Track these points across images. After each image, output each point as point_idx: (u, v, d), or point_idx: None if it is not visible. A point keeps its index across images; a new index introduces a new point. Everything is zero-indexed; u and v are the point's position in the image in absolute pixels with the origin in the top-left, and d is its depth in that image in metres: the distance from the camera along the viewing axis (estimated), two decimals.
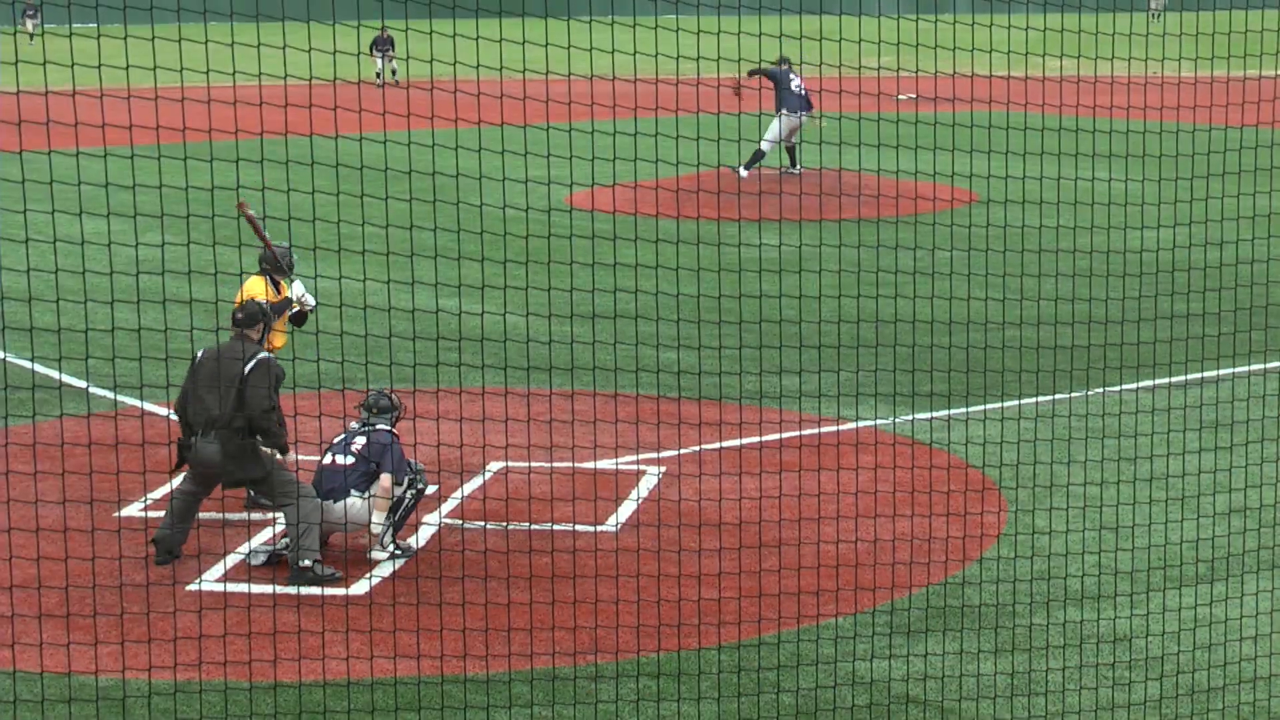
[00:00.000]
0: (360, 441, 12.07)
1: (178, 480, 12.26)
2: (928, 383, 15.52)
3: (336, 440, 12.19)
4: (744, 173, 28.99)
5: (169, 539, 11.76)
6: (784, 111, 29.01)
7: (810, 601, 10.78)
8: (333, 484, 11.94)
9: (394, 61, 51.55)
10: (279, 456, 11.75)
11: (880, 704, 9.82)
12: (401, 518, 12.05)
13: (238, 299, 13.25)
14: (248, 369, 11.53)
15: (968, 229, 23.11)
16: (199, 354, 11.85)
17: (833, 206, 27.05)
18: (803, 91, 29.07)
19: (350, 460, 12.00)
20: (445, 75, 45.28)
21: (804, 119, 29.12)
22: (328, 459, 12.09)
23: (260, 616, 10.66)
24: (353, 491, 11.89)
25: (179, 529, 11.81)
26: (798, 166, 29.55)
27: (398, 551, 12.01)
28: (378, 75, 49.96)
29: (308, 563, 11.46)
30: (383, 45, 50.42)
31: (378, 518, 11.82)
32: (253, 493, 12.50)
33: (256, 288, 13.29)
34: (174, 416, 11.99)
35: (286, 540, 11.91)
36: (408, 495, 12.01)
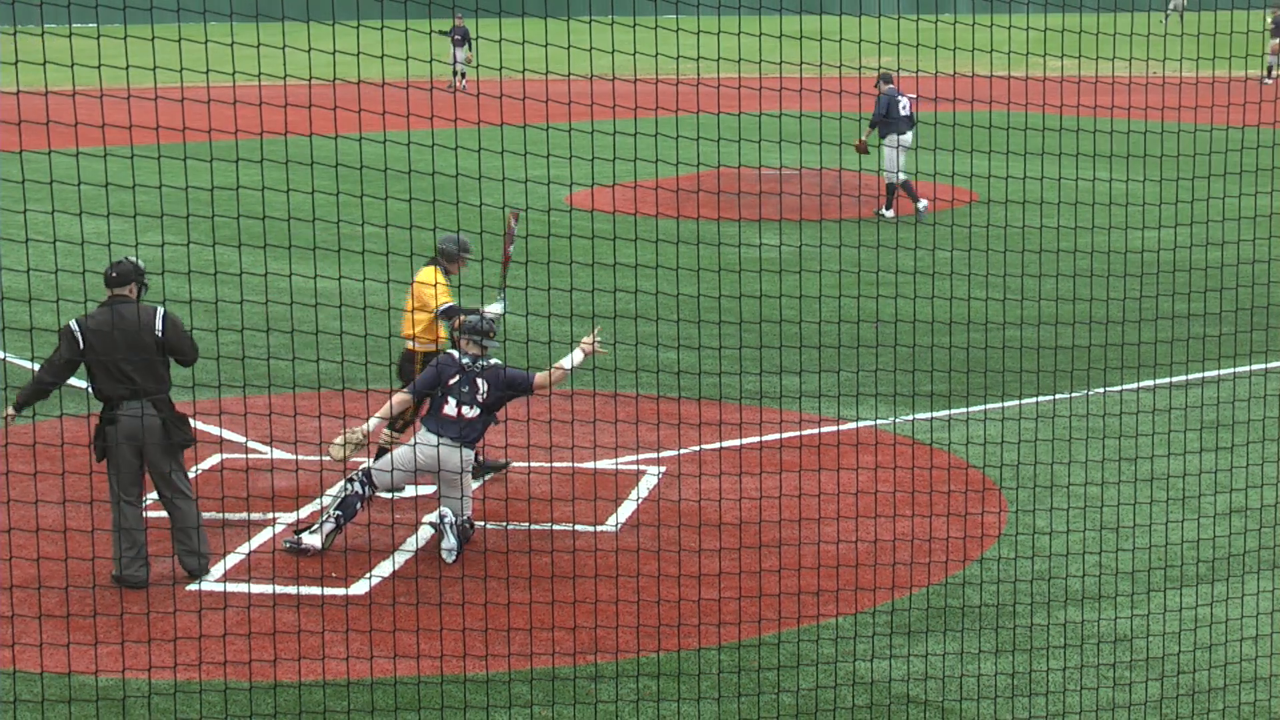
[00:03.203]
0: (484, 389, 12.07)
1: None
2: (928, 383, 15.51)
3: (456, 384, 12.07)
4: (888, 213, 26.39)
5: (143, 577, 11.46)
6: (893, 137, 26.39)
7: (810, 601, 10.78)
8: (460, 434, 11.99)
9: (462, 62, 46.78)
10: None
11: (880, 704, 9.82)
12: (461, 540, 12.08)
13: (412, 289, 13.39)
14: (160, 331, 11.25)
15: (968, 229, 23.12)
16: (74, 326, 11.27)
17: (833, 206, 27.05)
18: (907, 111, 26.35)
19: (476, 413, 12.04)
20: (445, 75, 45.23)
21: (910, 139, 26.45)
22: (451, 409, 12.03)
23: (260, 616, 10.66)
24: (474, 448, 12.10)
25: (144, 558, 11.50)
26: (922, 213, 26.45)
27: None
28: (461, 76, 46.14)
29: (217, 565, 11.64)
30: (459, 35, 46.12)
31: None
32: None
33: (428, 276, 13.32)
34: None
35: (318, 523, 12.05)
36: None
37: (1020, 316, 17.40)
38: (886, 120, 26.34)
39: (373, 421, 12.06)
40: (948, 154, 23.93)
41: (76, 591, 10.91)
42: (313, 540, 11.97)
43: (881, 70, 26.82)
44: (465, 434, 12.03)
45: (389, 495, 12.84)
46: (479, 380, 12.11)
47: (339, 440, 12.01)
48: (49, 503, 11.68)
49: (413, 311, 13.40)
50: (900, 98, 26.36)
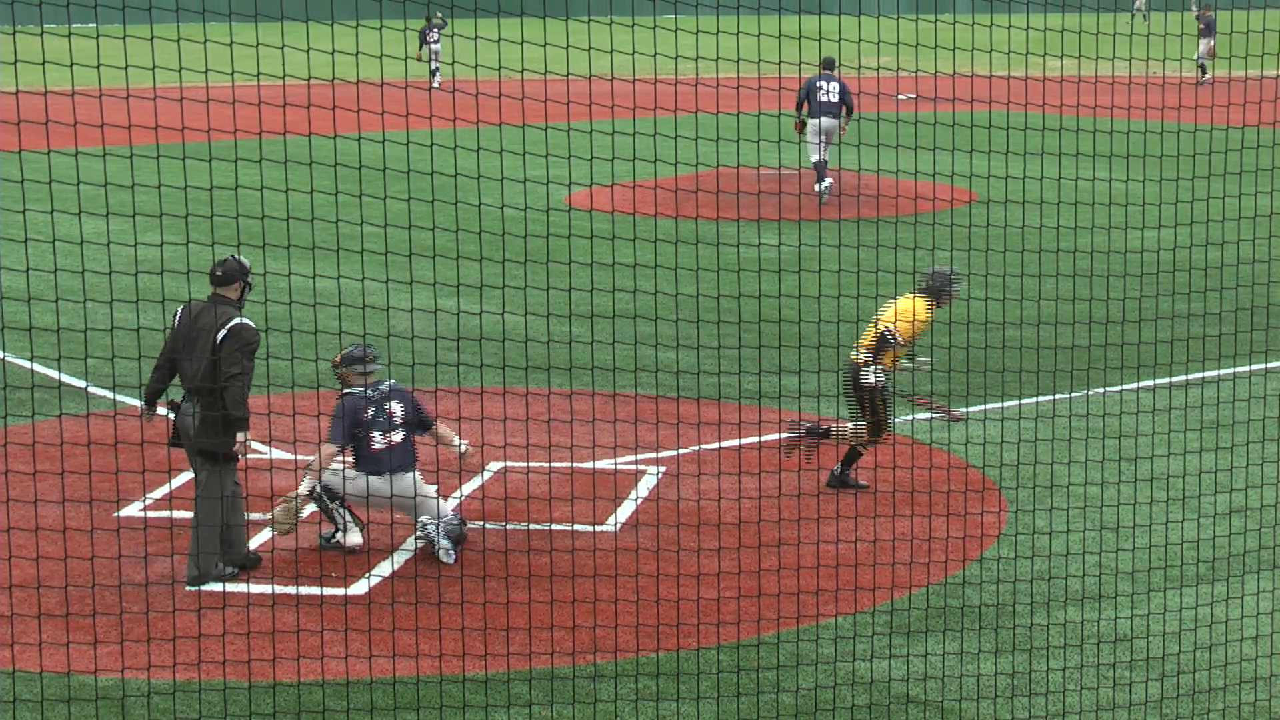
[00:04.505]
0: (398, 409, 11.96)
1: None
2: (928, 383, 15.51)
3: (372, 416, 11.90)
4: (824, 193, 27.79)
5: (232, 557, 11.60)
6: (810, 122, 27.82)
7: (810, 601, 10.78)
8: (398, 461, 11.88)
9: (436, 60, 46.14)
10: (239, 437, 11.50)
11: (880, 704, 9.81)
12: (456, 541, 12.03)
13: (891, 310, 13.30)
14: (219, 337, 11.25)
15: (968, 229, 23.11)
16: (177, 313, 11.59)
17: (833, 206, 27.05)
18: (830, 97, 27.61)
19: (401, 435, 11.92)
20: (444, 75, 45.12)
21: (825, 123, 27.59)
22: (380, 441, 11.87)
23: (259, 616, 10.66)
24: (414, 467, 11.96)
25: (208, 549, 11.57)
26: (824, 193, 27.96)
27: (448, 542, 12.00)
28: (434, 74, 45.37)
29: (232, 569, 11.54)
30: (431, 33, 45.81)
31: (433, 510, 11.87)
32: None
33: (913, 307, 13.23)
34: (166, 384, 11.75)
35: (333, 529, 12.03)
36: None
37: (1020, 316, 17.39)
38: (807, 103, 27.84)
39: (305, 485, 11.86)
40: (948, 154, 23.93)
41: (76, 591, 10.90)
42: (353, 540, 11.99)
43: (824, 57, 27.77)
44: (402, 459, 11.95)
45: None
46: (389, 404, 11.98)
47: (278, 512, 11.81)
48: (49, 503, 11.67)
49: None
50: (825, 83, 27.62)
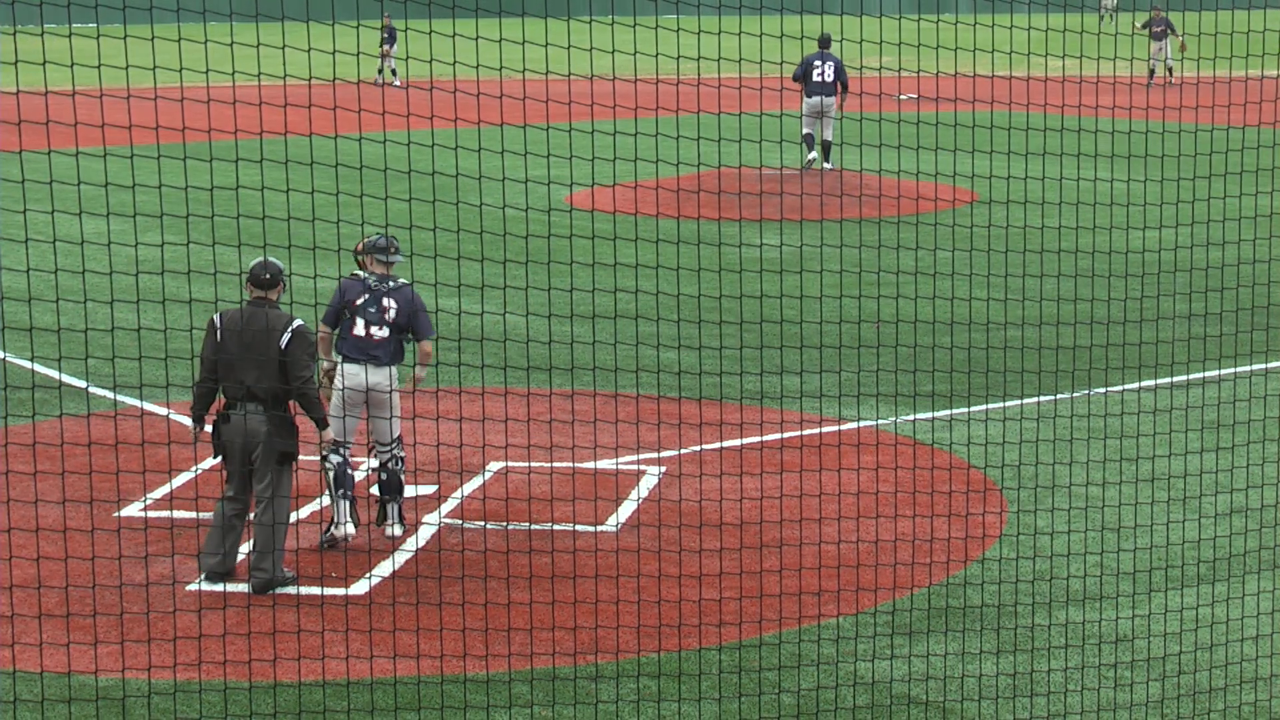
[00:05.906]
0: (392, 307, 11.92)
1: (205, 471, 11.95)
2: (928, 383, 15.51)
3: (364, 303, 11.94)
4: (809, 164, 29.02)
5: (222, 565, 11.47)
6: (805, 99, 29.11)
7: (810, 601, 10.78)
8: (373, 354, 11.86)
9: (392, 60, 48.96)
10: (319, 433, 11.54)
11: (880, 704, 9.81)
12: (398, 491, 12.02)
13: None
14: (285, 341, 11.23)
15: (968, 229, 23.11)
16: (216, 320, 11.46)
17: (833, 206, 27.04)
18: (825, 77, 28.68)
19: (386, 333, 11.89)
20: (445, 75, 45.26)
21: (822, 103, 28.73)
22: (360, 330, 11.89)
23: (260, 616, 10.66)
24: (391, 368, 11.88)
25: (220, 552, 11.49)
26: (811, 163, 29.05)
27: (396, 528, 11.99)
28: (379, 73, 47.62)
29: (289, 573, 11.46)
30: (389, 34, 47.97)
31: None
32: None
33: None
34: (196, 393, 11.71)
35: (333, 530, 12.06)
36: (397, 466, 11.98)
37: (1020, 316, 17.39)
38: (804, 80, 29.25)
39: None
40: (948, 154, 23.92)
41: (76, 591, 10.90)
42: (346, 530, 12.00)
43: (822, 34, 28.71)
44: (378, 354, 11.89)
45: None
46: (386, 299, 11.95)
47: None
48: (49, 503, 11.67)
49: None
50: (820, 62, 28.84)
